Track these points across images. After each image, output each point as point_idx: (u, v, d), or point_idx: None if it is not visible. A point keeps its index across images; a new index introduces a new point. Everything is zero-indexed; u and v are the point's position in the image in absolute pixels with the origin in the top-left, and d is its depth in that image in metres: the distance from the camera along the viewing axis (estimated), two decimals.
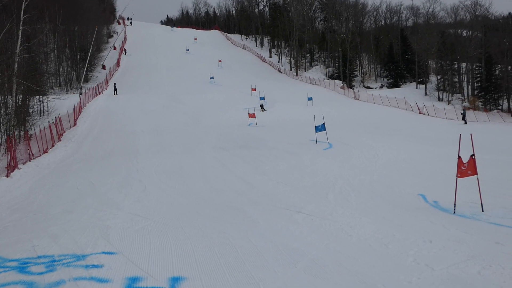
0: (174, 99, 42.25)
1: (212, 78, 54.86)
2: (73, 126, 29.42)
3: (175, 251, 7.08)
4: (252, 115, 30.40)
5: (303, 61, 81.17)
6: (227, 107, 38.73)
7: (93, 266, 6.39)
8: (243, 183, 13.70)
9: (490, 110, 52.70)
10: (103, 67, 61.30)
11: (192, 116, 33.93)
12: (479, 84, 58.41)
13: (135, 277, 5.98)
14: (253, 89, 47.95)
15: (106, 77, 53.22)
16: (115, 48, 73.27)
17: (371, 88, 68.26)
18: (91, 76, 56.84)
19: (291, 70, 75.18)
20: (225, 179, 14.36)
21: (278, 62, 79.51)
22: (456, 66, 63.99)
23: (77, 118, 31.46)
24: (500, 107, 54.96)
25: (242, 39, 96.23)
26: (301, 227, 8.47)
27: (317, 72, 75.91)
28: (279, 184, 13.23)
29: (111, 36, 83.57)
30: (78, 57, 58.17)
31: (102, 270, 6.22)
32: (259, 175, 14.73)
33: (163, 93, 45.18)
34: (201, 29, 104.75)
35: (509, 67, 56.67)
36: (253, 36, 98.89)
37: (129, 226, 8.80)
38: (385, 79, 72.24)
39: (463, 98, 60.48)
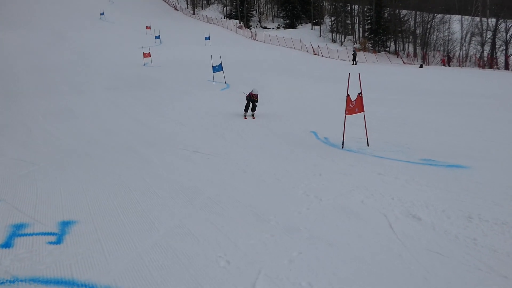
0: (61, 36, 39.08)
1: (102, 14, 51.54)
2: None
3: (64, 195, 6.74)
4: (147, 55, 29.15)
5: None
6: (120, 45, 36.73)
7: None
8: (138, 124, 13.30)
9: (379, 52, 55.71)
10: None
11: (81, 55, 31.67)
12: (370, 27, 61.12)
13: (20, 224, 5.65)
14: (148, 27, 45.95)
15: None
16: None
17: (268, 28, 68.49)
18: None
19: (187, 8, 72.67)
20: (119, 121, 13.82)
21: None
22: (349, 8, 66.13)
23: None
24: (387, 49, 58.25)
25: None
26: (198, 166, 8.48)
27: (214, 11, 74.18)
28: (176, 124, 13.05)
29: None
30: None
31: None
32: (155, 116, 14.38)
33: (47, 30, 41.51)
34: None
35: (397, 10, 59.71)
36: None
37: (13, 172, 8.19)
38: (282, 20, 72.74)
39: (354, 40, 63.10)
